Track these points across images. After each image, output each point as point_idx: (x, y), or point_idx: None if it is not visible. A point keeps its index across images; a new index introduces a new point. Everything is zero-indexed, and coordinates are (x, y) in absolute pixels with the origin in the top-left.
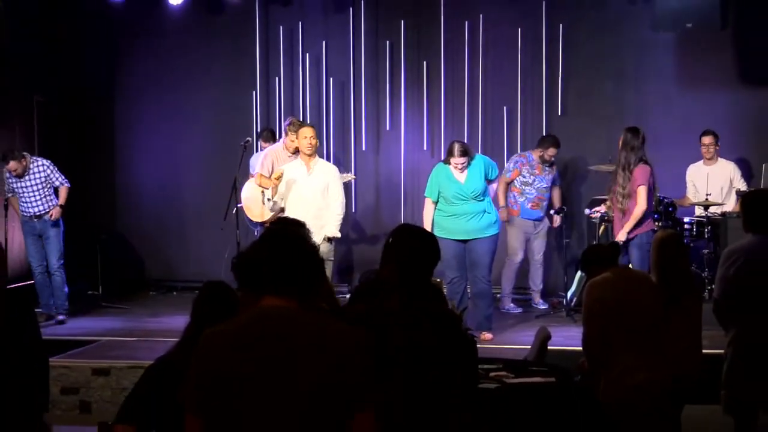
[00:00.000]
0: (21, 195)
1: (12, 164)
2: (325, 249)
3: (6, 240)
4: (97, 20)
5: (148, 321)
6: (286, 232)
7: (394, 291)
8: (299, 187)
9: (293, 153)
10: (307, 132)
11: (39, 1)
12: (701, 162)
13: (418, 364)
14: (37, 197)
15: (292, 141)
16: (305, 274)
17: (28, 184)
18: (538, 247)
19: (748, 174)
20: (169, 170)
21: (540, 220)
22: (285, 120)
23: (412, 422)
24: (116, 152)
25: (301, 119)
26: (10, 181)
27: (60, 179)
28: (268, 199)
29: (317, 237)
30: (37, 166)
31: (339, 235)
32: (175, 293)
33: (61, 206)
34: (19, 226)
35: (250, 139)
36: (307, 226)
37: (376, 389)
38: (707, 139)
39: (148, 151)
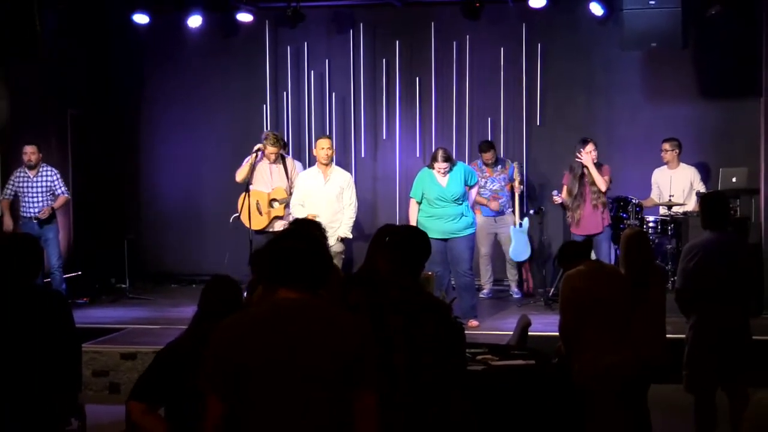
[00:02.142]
0: (25, 194)
1: (31, 148)
2: (338, 248)
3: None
4: (126, 41)
5: (170, 311)
6: (300, 232)
7: (394, 284)
8: (317, 193)
9: (273, 162)
10: (324, 143)
11: (73, 23)
12: (665, 166)
13: (416, 349)
14: (40, 199)
15: (270, 152)
16: (316, 270)
17: (35, 185)
18: (508, 240)
19: (706, 177)
20: (190, 176)
21: (501, 214)
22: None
23: (412, 402)
24: (142, 160)
25: (307, 130)
26: (20, 177)
27: (62, 189)
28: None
29: (332, 237)
30: (46, 171)
31: (351, 236)
32: (194, 286)
33: (52, 209)
34: None
35: (260, 147)
36: (323, 227)
37: (378, 373)
38: (665, 145)
39: (171, 159)
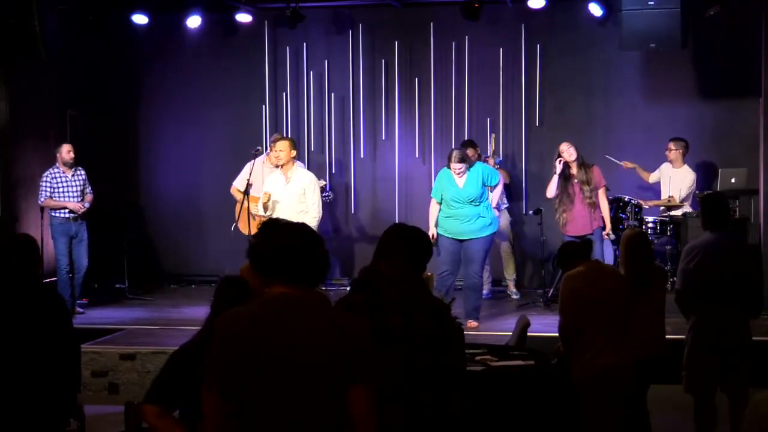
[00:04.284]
0: (63, 194)
1: (69, 146)
2: None
3: (42, 242)
4: (125, 42)
5: (170, 311)
6: (301, 228)
7: (396, 283)
8: (279, 194)
9: (276, 166)
10: (277, 145)
11: (73, 23)
12: (670, 165)
13: (416, 350)
14: (79, 195)
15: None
16: (314, 266)
17: (72, 184)
18: (501, 237)
19: (704, 178)
20: (189, 176)
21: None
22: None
23: (411, 400)
24: (141, 160)
25: (306, 131)
26: (55, 177)
27: (89, 188)
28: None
29: None
30: (79, 169)
31: None
32: (193, 286)
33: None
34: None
35: (260, 147)
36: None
37: (375, 371)
38: (670, 144)
39: (170, 159)
